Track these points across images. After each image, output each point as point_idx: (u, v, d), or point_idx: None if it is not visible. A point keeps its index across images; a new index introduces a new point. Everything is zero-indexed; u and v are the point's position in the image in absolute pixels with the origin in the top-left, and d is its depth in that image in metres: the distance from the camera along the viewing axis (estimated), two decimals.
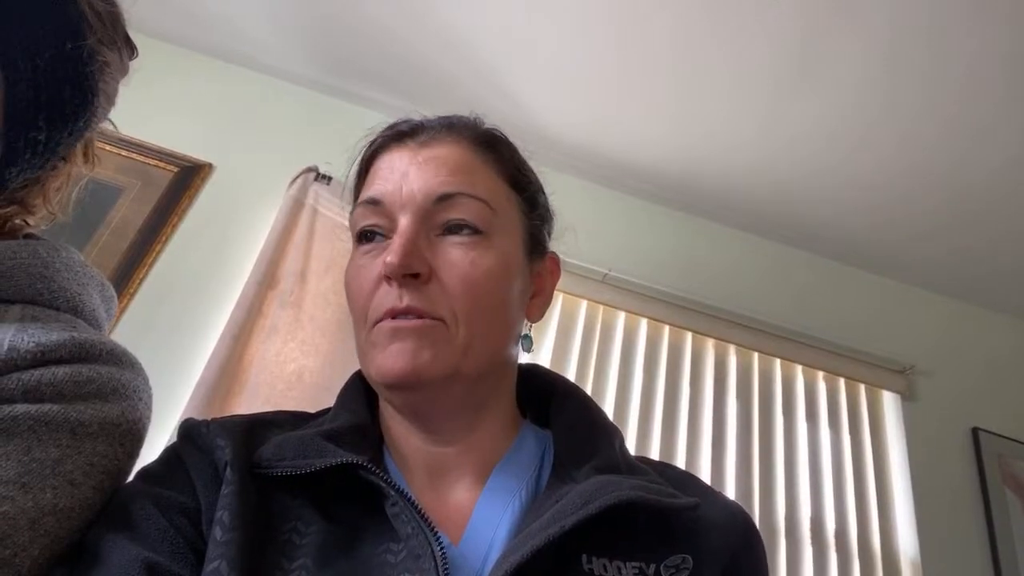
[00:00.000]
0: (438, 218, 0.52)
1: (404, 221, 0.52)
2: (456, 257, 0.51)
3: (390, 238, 0.52)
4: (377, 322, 0.51)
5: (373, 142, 0.59)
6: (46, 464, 0.41)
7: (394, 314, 0.50)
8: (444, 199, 0.52)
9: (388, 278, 0.50)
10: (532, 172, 0.62)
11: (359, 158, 0.61)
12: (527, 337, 0.60)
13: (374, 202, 0.54)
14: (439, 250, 0.52)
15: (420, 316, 0.49)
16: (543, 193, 0.63)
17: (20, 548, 0.38)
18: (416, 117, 0.60)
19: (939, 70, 1.58)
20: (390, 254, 0.49)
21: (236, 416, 0.55)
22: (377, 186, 0.55)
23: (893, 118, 1.73)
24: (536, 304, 0.60)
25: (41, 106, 0.47)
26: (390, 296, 0.50)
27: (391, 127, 0.59)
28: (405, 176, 0.54)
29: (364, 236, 0.54)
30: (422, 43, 1.85)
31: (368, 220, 0.54)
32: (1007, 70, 1.55)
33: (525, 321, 0.59)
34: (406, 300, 0.49)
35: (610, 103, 1.91)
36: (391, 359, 0.49)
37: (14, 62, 0.45)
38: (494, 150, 0.58)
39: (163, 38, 2.04)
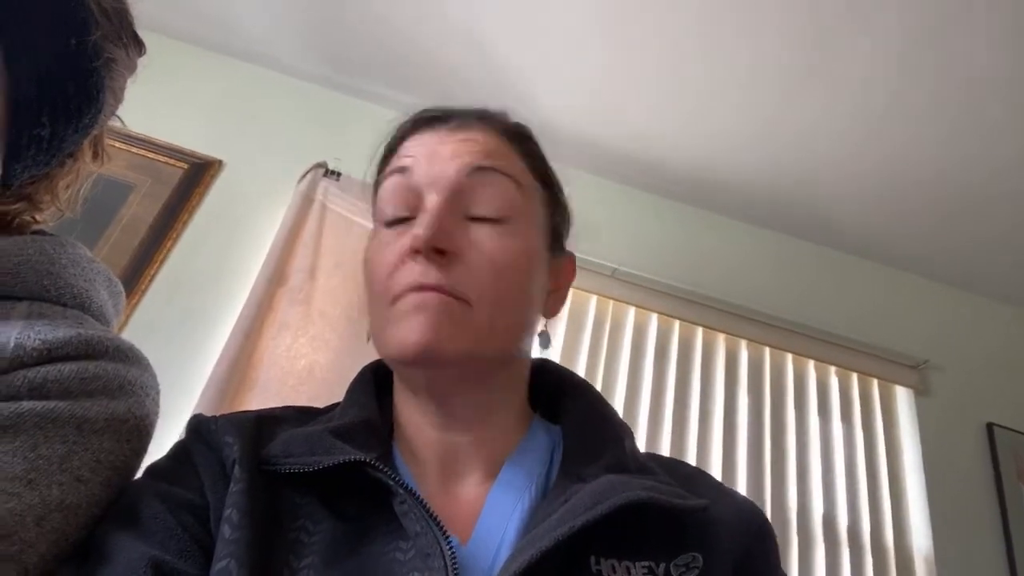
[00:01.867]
0: (468, 198, 0.52)
1: (434, 198, 0.51)
2: (485, 240, 0.51)
3: (416, 218, 0.52)
4: (398, 298, 0.50)
5: (401, 126, 0.59)
6: (53, 460, 0.41)
7: (419, 289, 0.49)
8: (478, 171, 0.52)
9: (416, 252, 0.49)
10: (552, 169, 0.62)
11: (384, 144, 0.60)
12: (544, 334, 0.59)
13: (402, 171, 0.53)
14: (467, 232, 0.51)
15: (446, 294, 0.49)
16: (562, 192, 0.63)
17: (27, 544, 0.38)
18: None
19: (948, 63, 1.57)
20: (419, 227, 0.49)
21: (244, 412, 0.55)
22: (405, 160, 0.54)
23: (904, 111, 1.72)
24: (551, 300, 0.59)
25: (45, 103, 0.46)
26: (415, 271, 0.49)
27: (419, 113, 0.59)
28: (435, 153, 0.54)
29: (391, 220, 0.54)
30: (431, 39, 1.85)
31: (395, 199, 0.53)
32: (1015, 63, 1.53)
33: (541, 317, 0.59)
34: (433, 276, 0.49)
35: (620, 98, 1.90)
36: (411, 332, 0.48)
37: (18, 58, 0.44)
38: (524, 143, 0.59)
39: (172, 35, 2.05)
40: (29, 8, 0.45)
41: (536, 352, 0.62)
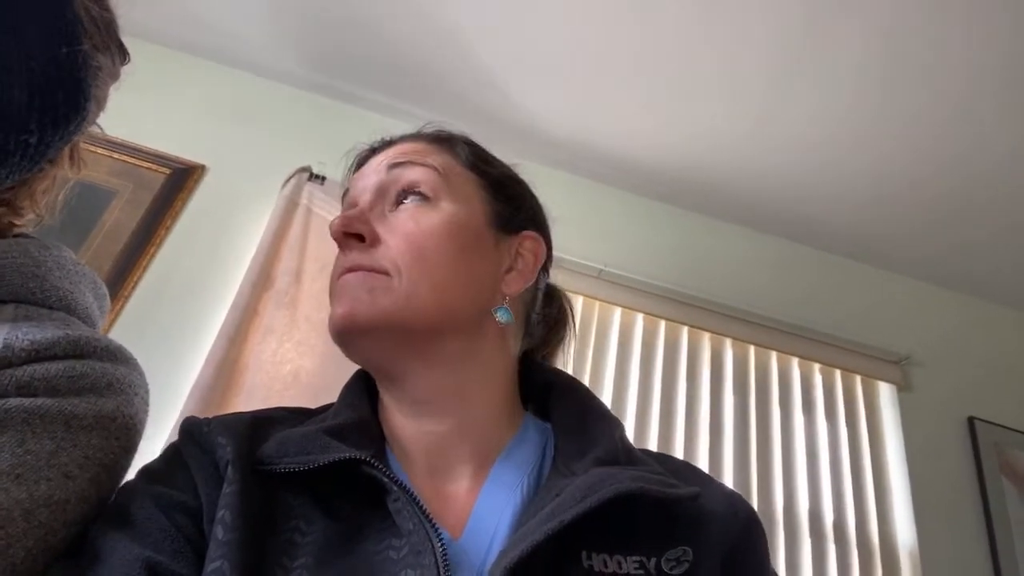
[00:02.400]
0: (392, 190, 0.57)
1: (365, 198, 0.58)
2: (401, 220, 0.55)
3: None
4: (332, 288, 0.56)
5: (354, 160, 0.66)
6: (40, 456, 0.41)
7: (341, 273, 0.55)
8: (395, 167, 0.58)
9: (339, 244, 0.55)
10: (499, 163, 0.65)
11: (347, 177, 0.66)
12: (502, 309, 0.58)
13: (347, 192, 0.62)
14: (390, 220, 0.56)
15: (365, 270, 0.53)
16: (517, 182, 0.65)
17: (14, 539, 0.38)
18: (401, 124, 0.67)
19: (939, 63, 1.58)
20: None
21: (238, 413, 0.55)
22: (350, 186, 0.62)
23: (890, 113, 1.74)
24: (511, 278, 0.60)
25: (34, 110, 0.46)
26: (341, 261, 0.56)
27: (367, 146, 0.66)
28: (368, 168, 0.61)
29: None
30: (415, 41, 1.85)
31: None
32: (1007, 64, 1.55)
33: (505, 296, 0.59)
34: (352, 259, 0.54)
35: (606, 99, 1.91)
36: (335, 310, 0.53)
37: (8, 65, 0.45)
38: (449, 142, 0.62)
39: (154, 40, 2.03)
40: (22, 16, 0.45)
41: (519, 346, 0.62)
